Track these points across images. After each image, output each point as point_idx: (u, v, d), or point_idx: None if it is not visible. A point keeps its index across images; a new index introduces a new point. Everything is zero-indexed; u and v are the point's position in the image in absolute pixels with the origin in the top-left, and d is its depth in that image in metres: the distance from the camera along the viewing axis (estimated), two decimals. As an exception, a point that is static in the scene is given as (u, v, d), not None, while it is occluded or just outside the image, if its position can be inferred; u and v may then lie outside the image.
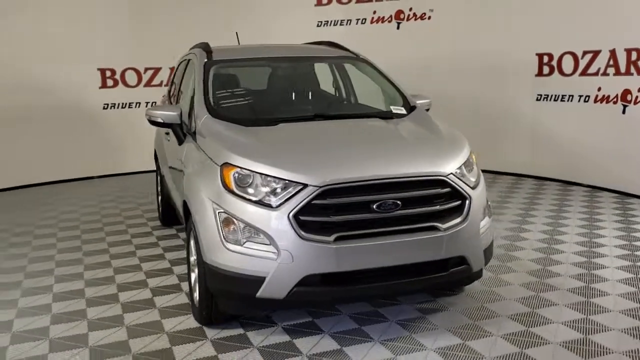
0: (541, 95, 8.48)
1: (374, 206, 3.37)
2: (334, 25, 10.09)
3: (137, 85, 9.58)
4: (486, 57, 8.84)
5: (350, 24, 10.01)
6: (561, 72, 8.11)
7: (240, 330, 3.85)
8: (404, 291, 3.91)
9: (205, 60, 4.77)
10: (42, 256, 5.57)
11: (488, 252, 3.89)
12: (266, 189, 3.39)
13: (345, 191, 3.37)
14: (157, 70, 9.60)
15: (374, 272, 3.43)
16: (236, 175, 3.47)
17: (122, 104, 9.52)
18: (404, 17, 9.66)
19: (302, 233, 3.29)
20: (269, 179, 3.39)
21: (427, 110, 4.94)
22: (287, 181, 3.35)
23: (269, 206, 3.34)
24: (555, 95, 8.33)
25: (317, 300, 3.52)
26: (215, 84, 4.58)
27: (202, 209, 3.57)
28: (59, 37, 8.78)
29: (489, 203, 3.93)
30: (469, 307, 4.13)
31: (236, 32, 6.57)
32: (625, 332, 3.70)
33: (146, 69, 9.56)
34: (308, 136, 3.92)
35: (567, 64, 8.00)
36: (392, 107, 4.55)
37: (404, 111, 4.51)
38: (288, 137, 3.85)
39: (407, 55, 9.41)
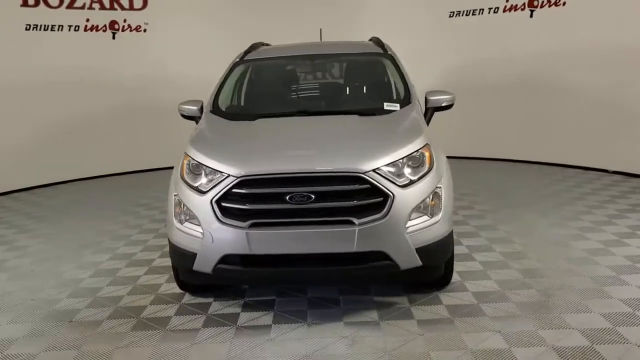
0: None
1: (287, 197, 3.66)
2: (466, 15, 9.89)
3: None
4: (621, 44, 8.00)
5: (482, 13, 9.73)
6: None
7: (210, 299, 4.40)
8: (321, 278, 4.10)
9: (237, 60, 5.35)
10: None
11: (433, 252, 3.88)
12: (204, 178, 3.88)
13: (260, 182, 3.71)
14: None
15: (291, 258, 3.72)
16: (189, 164, 4.02)
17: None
18: (537, 5, 9.11)
19: (222, 217, 3.73)
20: (205, 168, 3.88)
21: (450, 106, 4.94)
22: (215, 171, 3.81)
23: (200, 192, 3.83)
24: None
25: (238, 277, 3.90)
26: (240, 80, 5.15)
27: (169, 192, 4.19)
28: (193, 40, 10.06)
29: (432, 202, 3.90)
30: (425, 308, 4.14)
31: (320, 29, 7.02)
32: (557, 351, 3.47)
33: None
34: (264, 131, 4.30)
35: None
36: (385, 104, 4.65)
37: (396, 107, 4.60)
38: (245, 132, 4.28)
39: (541, 45, 8.93)
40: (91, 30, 9.52)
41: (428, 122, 5.00)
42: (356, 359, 3.47)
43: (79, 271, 5.24)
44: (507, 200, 7.23)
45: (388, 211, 3.67)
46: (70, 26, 9.31)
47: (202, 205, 3.79)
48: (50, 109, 9.07)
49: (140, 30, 9.91)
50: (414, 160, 3.90)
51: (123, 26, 9.77)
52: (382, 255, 3.72)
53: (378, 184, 3.67)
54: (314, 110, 4.69)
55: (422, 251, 3.82)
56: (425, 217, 3.84)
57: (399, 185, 3.73)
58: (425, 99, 5.00)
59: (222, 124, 4.48)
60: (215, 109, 4.77)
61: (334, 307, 4.18)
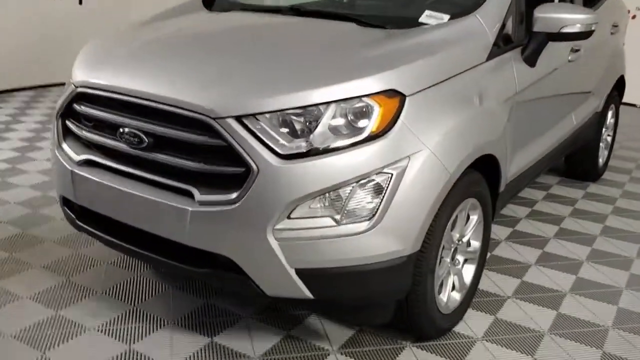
0: None
1: (119, 133, 2.33)
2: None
3: None
4: None
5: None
6: None
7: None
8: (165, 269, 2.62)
9: None
10: None
11: (340, 283, 2.19)
12: None
13: (98, 100, 2.43)
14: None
15: (120, 226, 2.43)
16: None
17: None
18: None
19: (62, 142, 2.60)
20: None
21: (584, 34, 2.85)
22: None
23: None
24: None
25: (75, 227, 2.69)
26: None
27: None
28: None
29: (363, 196, 2.10)
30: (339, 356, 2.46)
31: None
32: None
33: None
34: (187, 28, 2.86)
35: None
36: (427, 12, 2.70)
37: (440, 20, 2.63)
38: (170, 27, 2.90)
39: None
40: None
41: (532, 60, 2.90)
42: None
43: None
44: None
45: (244, 193, 2.07)
46: None
47: (54, 119, 2.69)
48: None
49: None
50: (351, 114, 2.13)
51: None
52: (230, 264, 2.17)
53: (236, 143, 2.06)
54: (308, 10, 3.02)
55: (312, 276, 2.15)
56: (328, 221, 2.10)
57: (278, 154, 2.06)
58: (533, 16, 2.85)
59: (179, 13, 3.17)
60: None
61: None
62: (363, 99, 2.13)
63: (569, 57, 3.43)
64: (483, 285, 3.06)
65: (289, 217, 2.08)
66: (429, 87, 2.27)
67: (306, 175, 2.05)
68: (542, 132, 3.36)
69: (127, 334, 2.56)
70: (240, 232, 2.10)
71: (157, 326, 2.62)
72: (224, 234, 2.13)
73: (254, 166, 2.04)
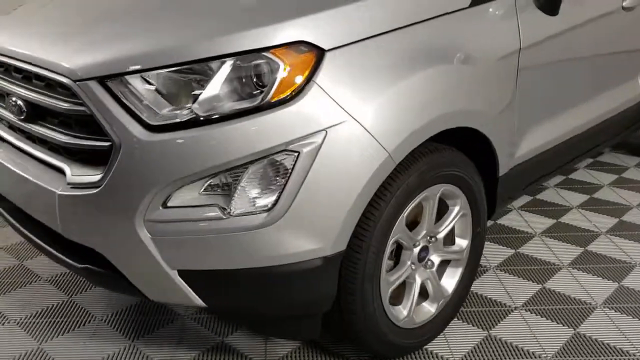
0: None
1: (6, 101, 2.02)
2: None
3: None
4: None
5: None
6: None
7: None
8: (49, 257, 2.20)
9: None
10: None
11: (237, 287, 1.75)
12: None
13: (-7, 64, 2.11)
14: None
15: (17, 210, 2.13)
16: None
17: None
18: None
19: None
20: None
21: None
22: None
23: None
24: None
25: None
26: None
27: None
28: None
29: (258, 178, 1.62)
30: None
31: None
32: None
33: None
34: None
35: None
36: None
37: None
38: None
39: None
40: None
41: (551, 6, 2.27)
42: None
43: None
44: None
45: (107, 174, 1.67)
46: None
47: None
48: None
49: None
50: (249, 74, 1.65)
51: None
52: (102, 260, 1.78)
53: (96, 110, 1.65)
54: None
55: (199, 280, 1.72)
56: (214, 211, 1.64)
57: (146, 124, 1.63)
58: None
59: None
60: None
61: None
62: (263, 53, 1.62)
63: (623, 3, 2.67)
64: (491, 292, 2.46)
65: (165, 206, 1.64)
66: (364, 39, 1.72)
67: (183, 152, 1.60)
68: (579, 102, 2.65)
69: (41, 331, 2.26)
70: (106, 222, 1.71)
71: (79, 323, 2.30)
72: (91, 223, 1.74)
73: (116, 139, 1.62)
